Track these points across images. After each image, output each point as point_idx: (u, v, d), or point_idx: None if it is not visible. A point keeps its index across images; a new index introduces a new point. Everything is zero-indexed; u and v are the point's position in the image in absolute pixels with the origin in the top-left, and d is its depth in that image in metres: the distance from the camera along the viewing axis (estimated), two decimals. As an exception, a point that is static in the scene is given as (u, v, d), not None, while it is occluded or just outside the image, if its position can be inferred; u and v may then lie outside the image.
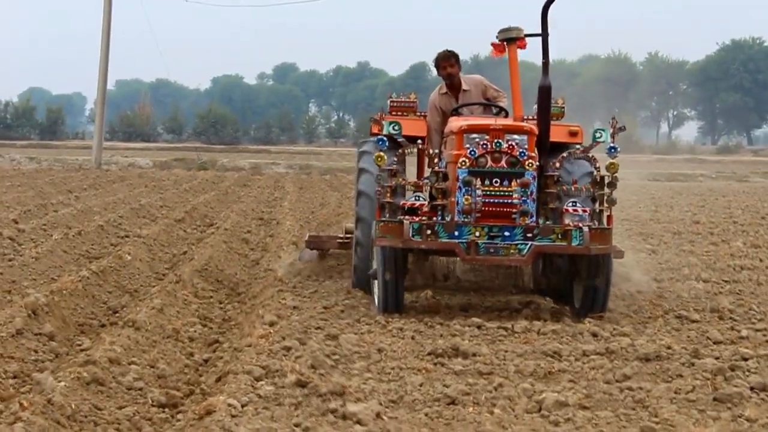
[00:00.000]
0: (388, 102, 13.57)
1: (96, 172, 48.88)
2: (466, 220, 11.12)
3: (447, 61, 13.21)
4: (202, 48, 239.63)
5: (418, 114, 13.48)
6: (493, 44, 12.91)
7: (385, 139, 11.45)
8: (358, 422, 7.95)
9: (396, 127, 11.55)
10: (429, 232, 11.10)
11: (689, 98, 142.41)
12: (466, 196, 11.09)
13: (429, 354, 10.28)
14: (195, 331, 11.85)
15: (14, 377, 9.49)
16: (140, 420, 8.42)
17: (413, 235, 11.09)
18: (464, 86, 13.24)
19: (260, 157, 71.48)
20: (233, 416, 7.97)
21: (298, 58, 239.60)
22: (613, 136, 11.36)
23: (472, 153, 11.25)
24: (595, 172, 11.66)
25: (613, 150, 11.34)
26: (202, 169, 55.59)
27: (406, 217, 11.35)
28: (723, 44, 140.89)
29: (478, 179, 11.22)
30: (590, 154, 11.71)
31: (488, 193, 11.26)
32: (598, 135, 11.58)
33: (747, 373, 9.73)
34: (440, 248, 11.45)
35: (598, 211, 11.61)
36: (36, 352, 10.42)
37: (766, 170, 65.30)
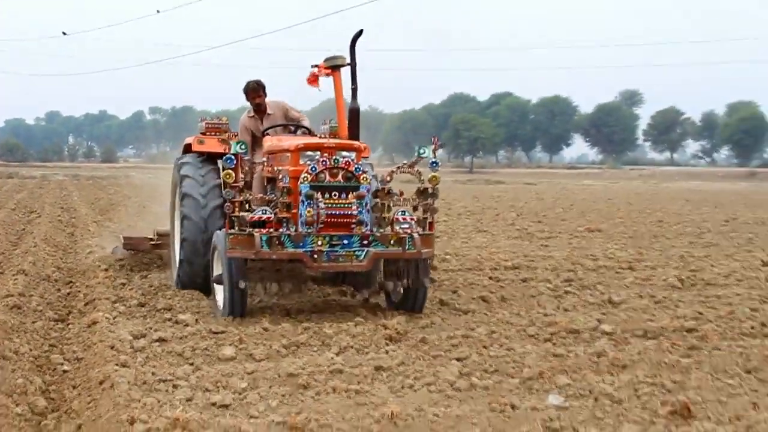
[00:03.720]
0: (203, 124, 10.21)
1: (-66, 185, 44.12)
2: (309, 231, 8.07)
3: (256, 92, 9.86)
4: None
5: (230, 134, 10.08)
6: (311, 75, 9.73)
7: (233, 157, 8.20)
8: (187, 325, 7.95)
9: (243, 146, 8.30)
10: (277, 243, 8.00)
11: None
12: (308, 209, 8.04)
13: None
14: (57, 276, 11.23)
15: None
16: (48, 329, 8.14)
17: (263, 247, 7.94)
18: (269, 110, 10.00)
19: (43, 170, 67.40)
20: (111, 324, 7.90)
21: (61, 106, 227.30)
22: (434, 152, 8.51)
23: (313, 169, 8.18)
24: (419, 184, 8.57)
25: (434, 164, 8.60)
26: (10, 177, 52.07)
27: (256, 229, 8.10)
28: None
29: (319, 193, 8.14)
30: (416, 169, 8.68)
31: (329, 205, 8.16)
32: (421, 151, 8.54)
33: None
34: (289, 258, 8.19)
35: (422, 218, 8.54)
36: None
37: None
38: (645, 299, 9.53)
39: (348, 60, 9.48)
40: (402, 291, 8.75)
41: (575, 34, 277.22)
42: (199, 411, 5.25)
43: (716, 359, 6.74)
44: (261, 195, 8.37)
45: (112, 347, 6.77)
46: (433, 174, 8.49)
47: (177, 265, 9.85)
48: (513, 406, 5.36)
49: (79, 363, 6.83)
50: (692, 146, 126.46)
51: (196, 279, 9.49)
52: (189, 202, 9.44)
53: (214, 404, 5.45)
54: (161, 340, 7.26)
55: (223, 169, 8.23)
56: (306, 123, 9.94)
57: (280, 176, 8.29)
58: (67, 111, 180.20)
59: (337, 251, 8.05)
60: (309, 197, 8.10)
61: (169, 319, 8.20)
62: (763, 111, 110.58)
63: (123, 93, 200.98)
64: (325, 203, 8.13)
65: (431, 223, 8.53)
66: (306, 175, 8.17)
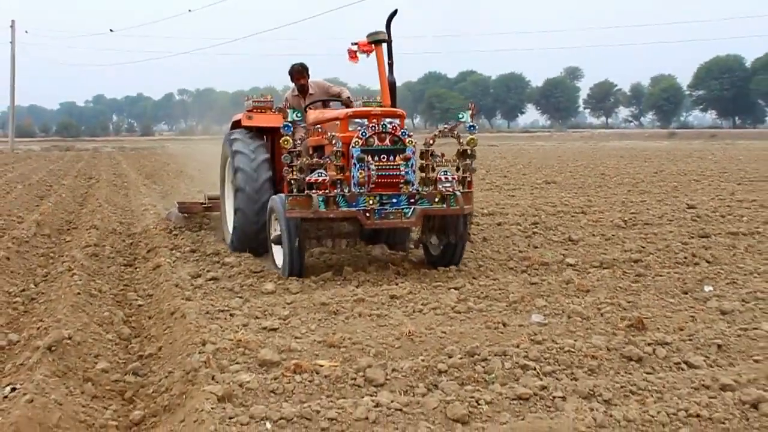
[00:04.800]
0: (252, 102, 9.16)
1: (13, 155, 42.41)
2: (361, 191, 7.19)
3: (300, 74, 9.07)
4: (54, 80, 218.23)
5: (273, 110, 9.11)
6: (349, 51, 8.57)
7: (290, 125, 7.22)
8: (233, 266, 7.93)
9: (299, 115, 7.37)
10: (333, 203, 7.12)
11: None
12: (360, 171, 7.19)
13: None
14: (121, 229, 11.17)
15: (43, 255, 8.92)
16: (121, 272, 8.17)
17: (320, 207, 7.08)
18: (310, 90, 9.14)
19: (94, 144, 66.59)
20: (171, 266, 7.90)
21: (105, 90, 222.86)
22: (472, 116, 7.59)
23: (363, 134, 7.29)
24: (458, 146, 7.61)
25: (472, 128, 7.63)
26: (67, 150, 51.55)
27: (314, 191, 7.17)
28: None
29: (369, 156, 7.26)
30: (456, 132, 7.66)
31: (379, 167, 7.27)
32: (460, 116, 7.60)
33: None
34: (344, 216, 7.32)
35: (462, 177, 7.60)
36: (46, 243, 9.74)
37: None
38: (597, 237, 9.58)
39: (386, 36, 8.43)
40: (442, 246, 7.91)
41: (527, 21, 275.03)
42: (254, 334, 5.31)
43: (659, 283, 6.85)
44: (316, 159, 7.40)
45: (176, 285, 6.82)
46: (471, 137, 7.62)
47: (231, 232, 8.96)
48: (504, 324, 5.43)
49: (150, 298, 6.87)
50: (623, 112, 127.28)
51: (249, 244, 8.64)
52: (242, 175, 8.51)
53: (265, 328, 5.49)
54: (214, 278, 7.30)
55: (281, 137, 7.33)
56: (346, 94, 9.10)
57: (333, 141, 7.35)
58: (110, 94, 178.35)
59: (387, 209, 7.21)
60: (360, 160, 7.29)
61: (218, 262, 8.18)
62: (680, 82, 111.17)
63: (155, 78, 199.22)
64: (375, 165, 7.29)
65: (470, 182, 7.66)
66: (357, 139, 7.34)
